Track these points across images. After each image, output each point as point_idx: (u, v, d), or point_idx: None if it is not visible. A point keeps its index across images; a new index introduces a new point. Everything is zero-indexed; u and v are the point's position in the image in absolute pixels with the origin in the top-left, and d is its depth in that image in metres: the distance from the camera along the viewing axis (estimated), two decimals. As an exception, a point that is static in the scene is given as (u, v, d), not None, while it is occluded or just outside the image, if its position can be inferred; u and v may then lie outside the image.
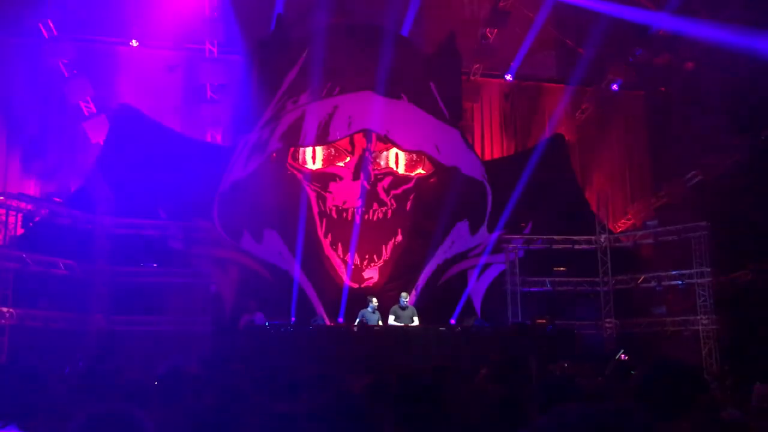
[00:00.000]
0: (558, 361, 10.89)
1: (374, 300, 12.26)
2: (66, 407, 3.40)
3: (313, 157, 14.77)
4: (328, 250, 14.32)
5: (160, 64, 16.06)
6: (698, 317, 13.45)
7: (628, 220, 17.73)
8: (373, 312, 12.07)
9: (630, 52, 16.67)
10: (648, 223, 14.99)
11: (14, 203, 11.85)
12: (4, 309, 10.99)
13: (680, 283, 13.84)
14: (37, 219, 12.37)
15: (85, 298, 12.08)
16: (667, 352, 13.40)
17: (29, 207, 12.17)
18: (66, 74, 14.71)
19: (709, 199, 14.86)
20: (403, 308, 12.15)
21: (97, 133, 14.92)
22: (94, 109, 15.02)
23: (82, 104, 14.91)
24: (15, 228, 11.82)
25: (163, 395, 3.89)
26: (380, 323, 12.00)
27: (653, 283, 14.09)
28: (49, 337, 11.26)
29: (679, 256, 13.93)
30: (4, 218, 11.57)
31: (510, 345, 11.58)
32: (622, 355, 11.41)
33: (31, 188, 14.96)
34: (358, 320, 12.00)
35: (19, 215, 11.98)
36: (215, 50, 15.81)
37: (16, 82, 14.60)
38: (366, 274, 14.35)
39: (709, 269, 13.47)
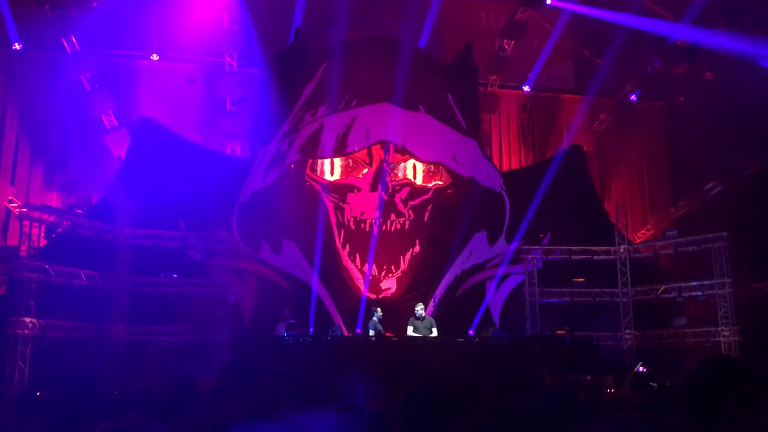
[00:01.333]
0: (578, 372, 10.84)
1: (378, 310, 12.32)
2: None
3: (331, 169, 14.85)
4: (346, 261, 14.36)
5: (180, 77, 16.27)
6: (719, 328, 13.32)
7: (648, 230, 17.63)
8: (378, 321, 12.13)
9: (648, 62, 16.62)
10: (668, 233, 14.87)
11: (37, 215, 12.01)
12: (27, 319, 11.13)
13: (701, 294, 13.70)
14: (59, 230, 12.52)
15: (107, 308, 12.22)
16: (688, 364, 13.24)
17: (52, 218, 12.33)
18: (88, 88, 14.94)
19: (729, 209, 14.73)
20: (420, 319, 12.13)
21: (119, 146, 15.13)
22: (115, 122, 15.24)
23: (104, 117, 15.13)
24: (38, 239, 11.98)
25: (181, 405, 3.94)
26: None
27: (673, 294, 13.97)
28: (71, 347, 11.39)
29: (700, 266, 13.80)
30: (27, 230, 11.73)
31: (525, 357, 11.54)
32: (641, 367, 11.31)
33: (54, 200, 15.18)
34: (371, 331, 12.00)
35: (42, 227, 12.13)
36: (234, 63, 15.99)
37: (39, 95, 14.89)
38: (384, 285, 14.37)
39: (729, 280, 13.34)
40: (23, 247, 11.69)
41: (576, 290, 14.29)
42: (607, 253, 14.53)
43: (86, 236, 12.51)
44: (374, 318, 12.16)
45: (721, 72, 15.76)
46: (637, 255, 14.67)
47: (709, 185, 16.02)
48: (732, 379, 2.19)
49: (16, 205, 14.21)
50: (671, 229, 15.23)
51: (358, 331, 13.25)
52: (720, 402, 2.15)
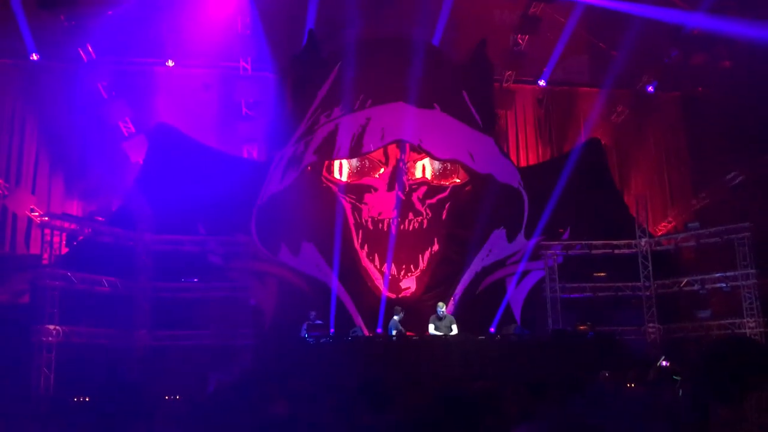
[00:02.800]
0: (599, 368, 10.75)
1: (401, 311, 12.38)
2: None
3: (349, 170, 14.85)
4: (365, 261, 14.36)
5: (195, 82, 16.36)
6: (744, 320, 13.15)
7: (669, 222, 17.47)
8: (399, 321, 12.17)
9: (665, 52, 16.45)
10: (689, 225, 14.69)
11: (58, 223, 12.15)
12: (51, 327, 11.26)
13: (724, 285, 13.53)
14: (80, 238, 12.66)
15: (129, 314, 12.31)
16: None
17: (73, 227, 12.46)
18: (105, 96, 15.07)
19: (750, 199, 14.55)
20: (441, 318, 12.16)
21: (137, 153, 15.25)
22: (132, 129, 15.35)
23: (121, 125, 15.26)
24: (60, 247, 12.11)
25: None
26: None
27: (696, 287, 13.80)
28: (95, 353, 11.49)
29: (723, 258, 13.63)
30: (49, 238, 11.87)
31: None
32: (664, 361, 11.18)
33: (74, 208, 15.33)
34: (394, 331, 12.03)
35: (64, 235, 12.29)
36: (249, 67, 16.05)
37: (58, 105, 15.02)
38: (403, 284, 14.36)
39: (754, 271, 13.15)
40: (45, 256, 11.83)
41: (597, 285, 14.16)
42: (628, 246, 14.40)
43: (107, 243, 12.62)
44: (395, 318, 12.20)
45: (739, 60, 15.56)
46: (658, 248, 14.51)
47: (730, 175, 15.82)
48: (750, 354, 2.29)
49: (37, 214, 14.37)
50: (693, 221, 15.05)
51: (379, 330, 13.26)
52: (739, 373, 2.22)
